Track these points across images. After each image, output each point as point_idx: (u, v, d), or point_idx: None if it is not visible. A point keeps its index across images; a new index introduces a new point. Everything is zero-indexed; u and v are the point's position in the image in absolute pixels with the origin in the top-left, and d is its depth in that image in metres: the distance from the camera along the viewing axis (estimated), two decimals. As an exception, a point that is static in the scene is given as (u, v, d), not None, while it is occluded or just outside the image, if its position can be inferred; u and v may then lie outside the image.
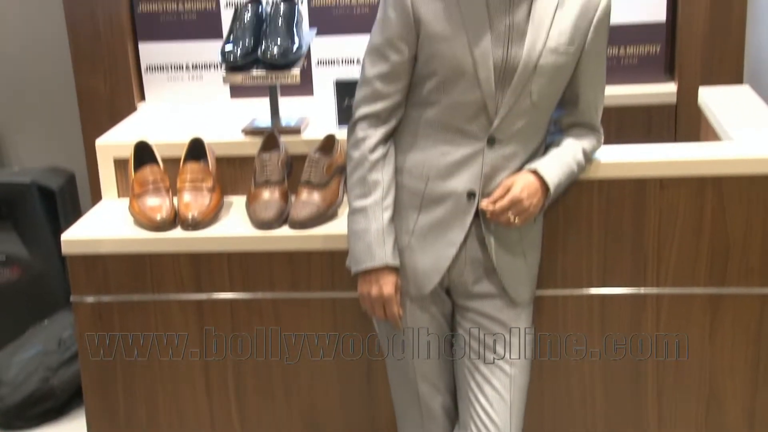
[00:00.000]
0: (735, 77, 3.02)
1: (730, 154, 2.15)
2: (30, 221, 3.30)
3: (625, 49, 3.15)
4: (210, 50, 3.26)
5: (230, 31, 2.53)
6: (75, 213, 3.42)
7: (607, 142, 2.16)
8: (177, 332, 2.34)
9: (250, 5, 2.58)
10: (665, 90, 3.12)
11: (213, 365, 2.36)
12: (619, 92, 3.07)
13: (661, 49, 3.12)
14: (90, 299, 2.33)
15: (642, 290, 2.21)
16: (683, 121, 3.08)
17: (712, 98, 2.58)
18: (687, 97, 3.01)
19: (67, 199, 3.39)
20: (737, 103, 2.55)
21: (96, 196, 3.05)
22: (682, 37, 3.06)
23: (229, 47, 2.48)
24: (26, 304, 3.35)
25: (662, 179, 2.13)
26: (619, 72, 3.14)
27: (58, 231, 3.27)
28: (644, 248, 2.18)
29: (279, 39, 2.48)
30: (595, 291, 2.23)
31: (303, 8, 3.15)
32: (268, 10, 2.58)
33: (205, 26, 3.26)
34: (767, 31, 2.78)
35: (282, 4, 2.55)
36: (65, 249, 2.31)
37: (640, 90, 3.13)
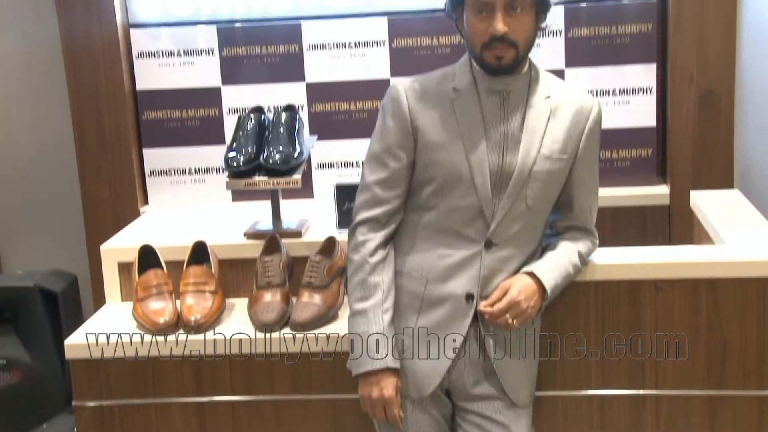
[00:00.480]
0: (725, 182, 3.10)
1: (723, 257, 2.19)
2: (32, 325, 3.31)
3: (618, 152, 3.23)
4: (212, 155, 3.35)
5: (234, 139, 2.60)
6: (77, 316, 3.44)
7: (603, 241, 2.20)
8: (178, 435, 2.34)
9: (252, 114, 2.66)
10: (658, 192, 3.19)
11: (214, 468, 2.35)
12: (613, 193, 3.15)
13: (653, 152, 3.20)
14: (92, 404, 2.33)
15: (641, 391, 2.22)
16: (677, 223, 3.14)
17: (704, 202, 2.64)
18: (680, 199, 3.08)
19: (69, 302, 3.40)
20: (728, 206, 2.61)
21: (98, 299, 3.07)
22: (673, 142, 3.15)
23: (232, 154, 2.54)
24: (26, 408, 3.32)
25: (657, 281, 2.16)
26: (612, 174, 3.21)
27: (59, 334, 3.29)
28: (642, 350, 2.20)
29: (281, 146, 2.54)
30: (594, 392, 2.24)
31: (303, 114, 3.24)
32: (271, 117, 2.65)
33: (207, 132, 3.35)
34: (755, 137, 2.86)
35: (284, 112, 2.63)
36: (68, 354, 2.32)
37: (634, 192, 3.20)
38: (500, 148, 1.97)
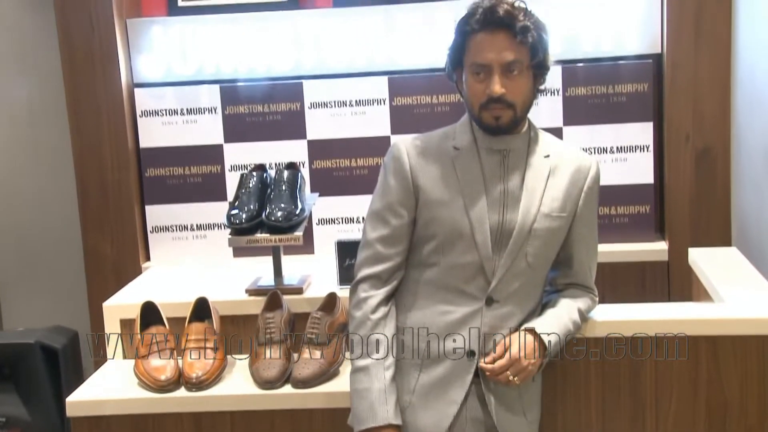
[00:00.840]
0: (723, 239, 3.12)
1: (723, 315, 2.21)
2: (32, 382, 3.30)
3: (617, 208, 3.26)
4: (214, 211, 3.37)
5: (236, 197, 2.63)
6: (77, 372, 3.43)
7: (602, 296, 2.22)
8: (178, 493, 2.33)
9: (255, 172, 2.69)
10: (657, 248, 3.21)
11: None
12: (612, 249, 3.17)
13: (651, 209, 3.23)
14: (92, 461, 2.33)
15: (642, 449, 2.22)
16: (676, 279, 3.15)
17: (702, 259, 2.66)
18: (678, 256, 3.10)
19: (69, 359, 3.39)
20: (726, 264, 2.63)
21: (99, 355, 3.07)
22: (670, 199, 3.18)
23: (234, 212, 2.57)
24: (24, 465, 3.31)
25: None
26: (611, 230, 3.23)
27: (59, 390, 3.27)
28: (642, 407, 2.20)
29: (283, 204, 2.58)
30: (595, 449, 2.24)
31: (305, 170, 3.27)
32: (273, 175, 2.69)
33: (209, 189, 3.38)
34: (751, 195, 2.89)
35: (286, 170, 2.66)
36: (70, 411, 2.32)
37: (633, 248, 3.22)
38: (500, 205, 2.00)
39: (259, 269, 2.80)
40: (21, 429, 3.30)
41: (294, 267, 2.81)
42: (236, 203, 2.61)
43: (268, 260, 2.70)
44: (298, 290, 2.60)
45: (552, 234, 2.03)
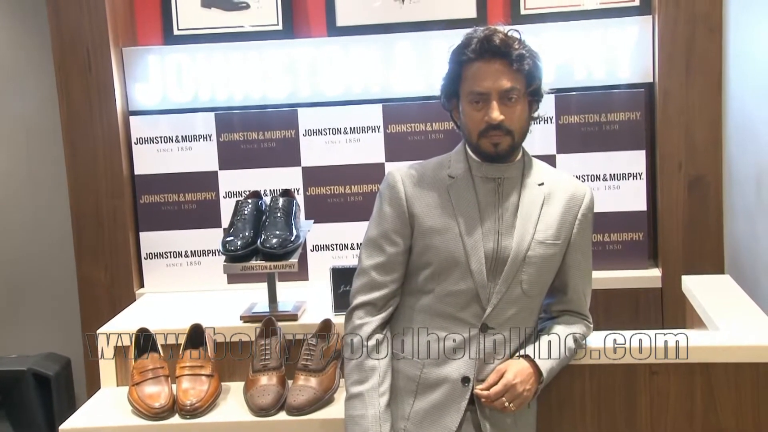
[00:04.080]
0: (716, 266, 3.14)
1: (717, 342, 2.21)
2: (24, 409, 3.29)
3: (610, 235, 3.27)
4: (208, 237, 3.38)
5: (231, 224, 2.64)
6: (70, 399, 3.42)
7: (596, 323, 2.22)
8: None
9: (250, 199, 2.70)
10: (650, 275, 3.22)
11: None
12: (605, 276, 3.18)
13: (644, 236, 3.25)
14: (84, 489, 2.31)
15: (638, 479, 2.22)
16: (669, 306, 3.16)
17: (695, 286, 2.67)
18: (671, 283, 3.11)
19: (62, 386, 3.38)
20: (720, 292, 2.64)
21: (92, 383, 3.06)
22: (663, 226, 3.20)
23: (229, 239, 2.58)
24: (15, 494, 3.29)
25: (652, 365, 2.18)
26: (604, 257, 3.25)
27: (51, 418, 3.26)
28: (638, 433, 2.21)
29: (278, 231, 2.58)
30: (590, 477, 2.23)
31: (299, 197, 3.28)
32: (268, 202, 2.69)
33: (204, 215, 3.38)
34: (743, 223, 2.91)
35: (281, 198, 2.67)
36: (63, 438, 2.32)
37: (626, 275, 3.23)
38: (495, 233, 2.01)
39: (254, 296, 2.80)
40: (12, 456, 3.29)
41: (288, 294, 2.81)
42: (231, 230, 2.61)
43: (263, 287, 2.70)
44: (293, 317, 2.60)
45: (546, 261, 2.05)
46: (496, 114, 1.95)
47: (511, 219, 2.02)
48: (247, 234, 2.59)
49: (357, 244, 3.27)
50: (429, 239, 2.03)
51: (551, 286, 2.12)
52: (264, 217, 2.65)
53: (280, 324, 2.52)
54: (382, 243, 2.06)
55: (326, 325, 2.49)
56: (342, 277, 2.62)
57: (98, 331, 2.61)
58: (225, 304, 2.80)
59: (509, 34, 1.97)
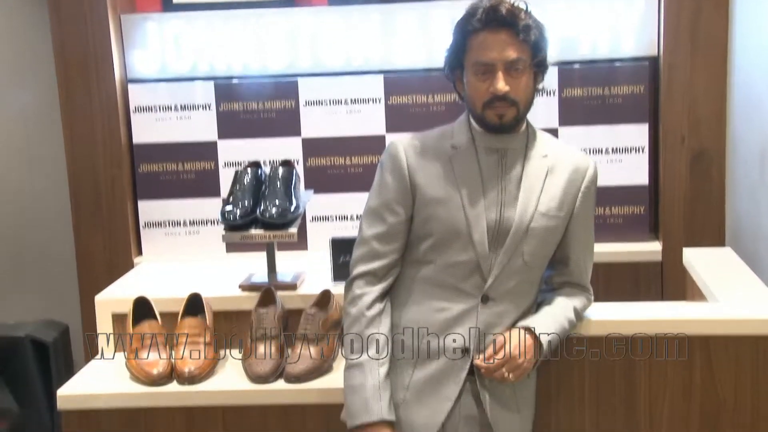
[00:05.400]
0: (717, 239, 3.13)
1: (717, 315, 2.21)
2: (22, 375, 3.30)
3: (611, 209, 3.27)
4: (207, 207, 3.37)
5: (230, 193, 2.62)
6: (67, 366, 3.42)
7: (596, 296, 2.22)
8: (169, 487, 2.31)
9: (250, 168, 2.68)
10: (651, 249, 3.22)
11: None
12: (606, 249, 3.17)
13: (646, 209, 3.24)
14: (82, 454, 2.32)
15: (635, 449, 2.22)
16: (669, 279, 3.16)
17: (696, 259, 2.66)
18: (672, 256, 3.11)
19: (60, 352, 3.39)
20: (720, 264, 2.64)
21: (90, 349, 3.06)
22: (665, 200, 3.19)
23: (229, 208, 2.56)
24: (13, 458, 3.30)
25: (651, 337, 2.17)
26: (606, 230, 3.24)
27: (49, 383, 3.27)
28: (636, 407, 2.20)
29: (277, 200, 2.57)
30: (589, 448, 2.23)
31: (299, 168, 3.27)
32: (268, 172, 2.68)
33: (203, 185, 3.38)
34: (745, 197, 2.90)
35: (281, 167, 2.66)
36: (61, 404, 2.31)
37: (627, 248, 3.23)
38: (498, 204, 2.00)
39: (253, 265, 2.79)
40: (9, 421, 3.29)
41: (287, 263, 2.80)
42: (230, 199, 2.60)
43: (262, 256, 2.69)
44: (292, 286, 2.59)
45: (549, 233, 2.03)
46: (502, 85, 1.93)
47: (514, 190, 2.01)
48: (246, 203, 2.57)
49: (357, 215, 3.26)
50: (431, 209, 2.01)
51: (553, 257, 2.11)
52: (263, 187, 2.63)
53: (279, 294, 2.51)
54: (383, 212, 2.05)
55: (325, 295, 2.49)
56: (342, 248, 2.61)
57: (96, 299, 2.60)
58: (223, 274, 2.79)
59: (516, 4, 1.95)
